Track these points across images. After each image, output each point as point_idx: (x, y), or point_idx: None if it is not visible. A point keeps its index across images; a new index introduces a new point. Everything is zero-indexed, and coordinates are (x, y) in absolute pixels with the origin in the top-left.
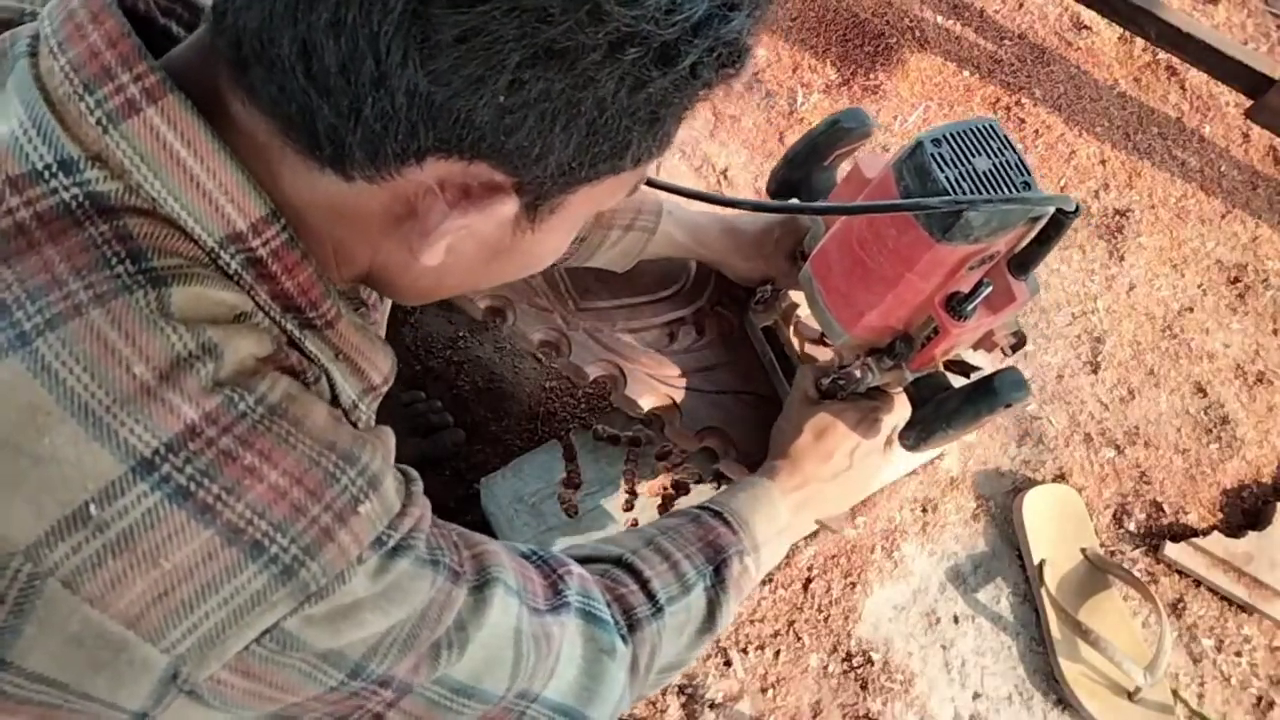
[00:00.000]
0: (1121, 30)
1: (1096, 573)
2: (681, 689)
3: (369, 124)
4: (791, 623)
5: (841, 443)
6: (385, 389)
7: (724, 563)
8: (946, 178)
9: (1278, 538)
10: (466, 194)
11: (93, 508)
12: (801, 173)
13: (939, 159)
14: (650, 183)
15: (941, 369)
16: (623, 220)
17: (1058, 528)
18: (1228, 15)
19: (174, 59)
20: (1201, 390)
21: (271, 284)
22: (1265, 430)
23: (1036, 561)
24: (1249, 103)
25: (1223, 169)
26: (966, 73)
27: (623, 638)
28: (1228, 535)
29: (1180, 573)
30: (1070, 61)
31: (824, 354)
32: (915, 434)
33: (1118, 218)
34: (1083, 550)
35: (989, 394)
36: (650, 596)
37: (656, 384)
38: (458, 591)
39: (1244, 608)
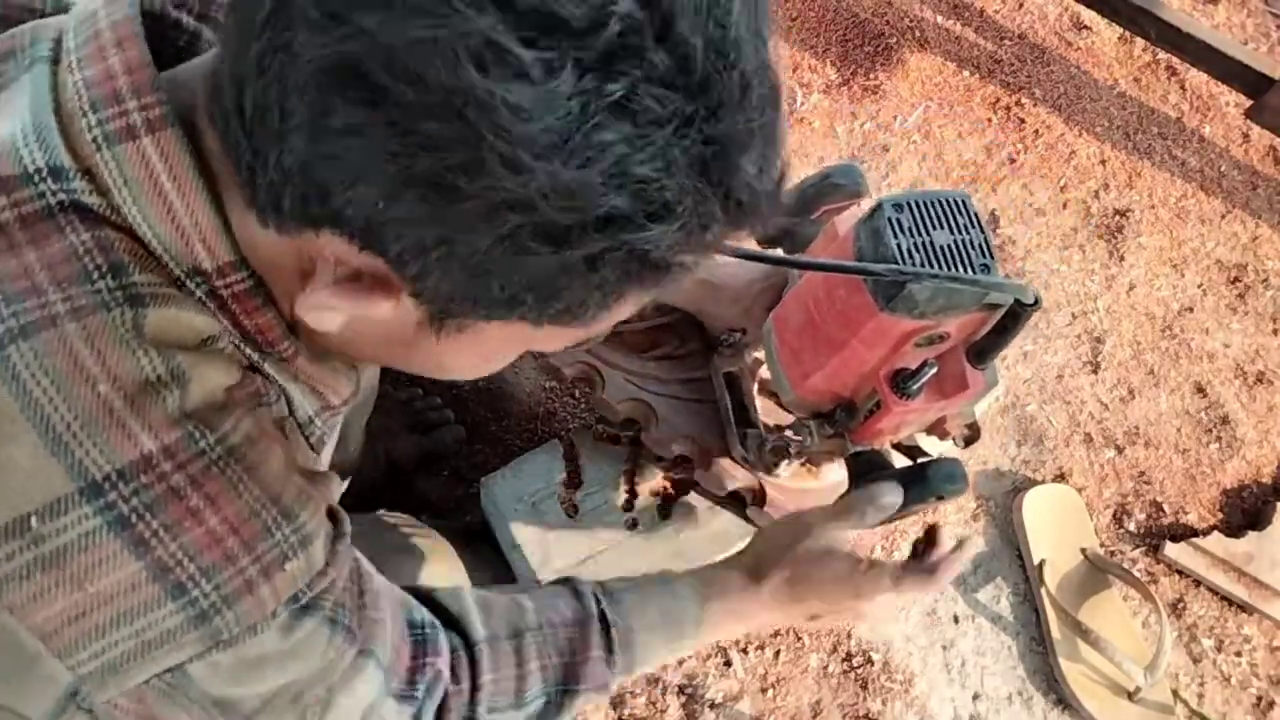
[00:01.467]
0: (1121, 30)
1: (1096, 573)
2: (681, 689)
3: (272, 174)
4: None
5: (815, 604)
6: (345, 410)
7: (574, 692)
8: (899, 245)
9: (1278, 538)
10: (356, 278)
11: (34, 520)
12: (788, 223)
13: (895, 225)
14: None
15: (888, 448)
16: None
17: (1058, 528)
18: (1228, 15)
19: (185, 69)
20: (1201, 390)
21: (231, 317)
22: (1265, 430)
23: (1036, 561)
24: (1249, 103)
25: (1223, 169)
26: (966, 73)
27: None
28: (1228, 535)
29: (1180, 573)
30: (1070, 61)
31: (781, 417)
32: None
33: (1118, 218)
34: (1083, 550)
35: (920, 482)
36: (472, 704)
37: (635, 389)
38: (348, 652)
39: (1244, 608)
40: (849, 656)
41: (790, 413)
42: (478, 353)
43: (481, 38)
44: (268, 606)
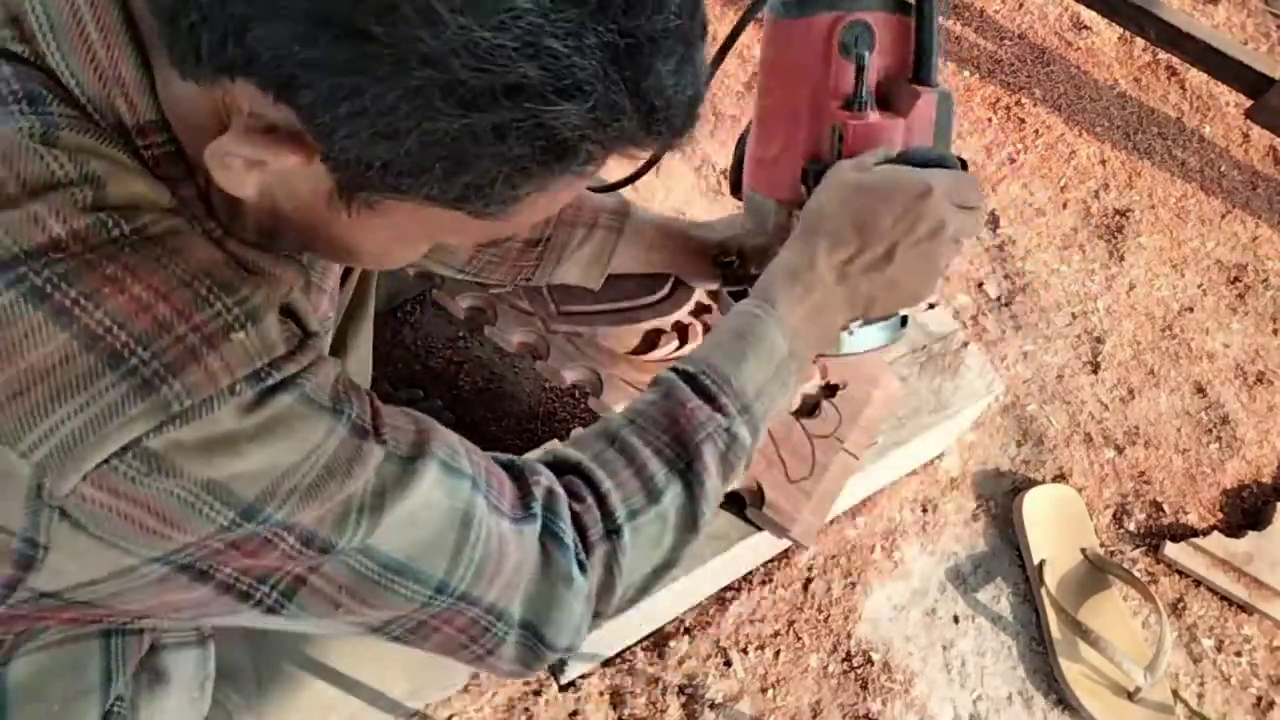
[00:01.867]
0: (1121, 30)
1: (1096, 573)
2: (681, 689)
3: (190, 16)
4: (791, 623)
5: (889, 204)
6: (321, 334)
7: (699, 449)
8: None
9: (1278, 538)
10: (269, 130)
11: None
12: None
13: None
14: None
15: None
16: (586, 219)
17: (1058, 528)
18: (1228, 15)
19: None
20: (1201, 390)
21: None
22: (1265, 430)
23: (1036, 561)
24: (1249, 103)
25: (1223, 169)
26: (966, 73)
27: (580, 564)
28: (1228, 535)
29: (1180, 573)
30: (1070, 61)
31: None
32: None
33: (1118, 218)
34: (1083, 550)
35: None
36: (607, 513)
37: (635, 391)
38: (371, 449)
39: (1244, 608)
40: (849, 656)
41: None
42: (389, 234)
43: None
44: (221, 380)
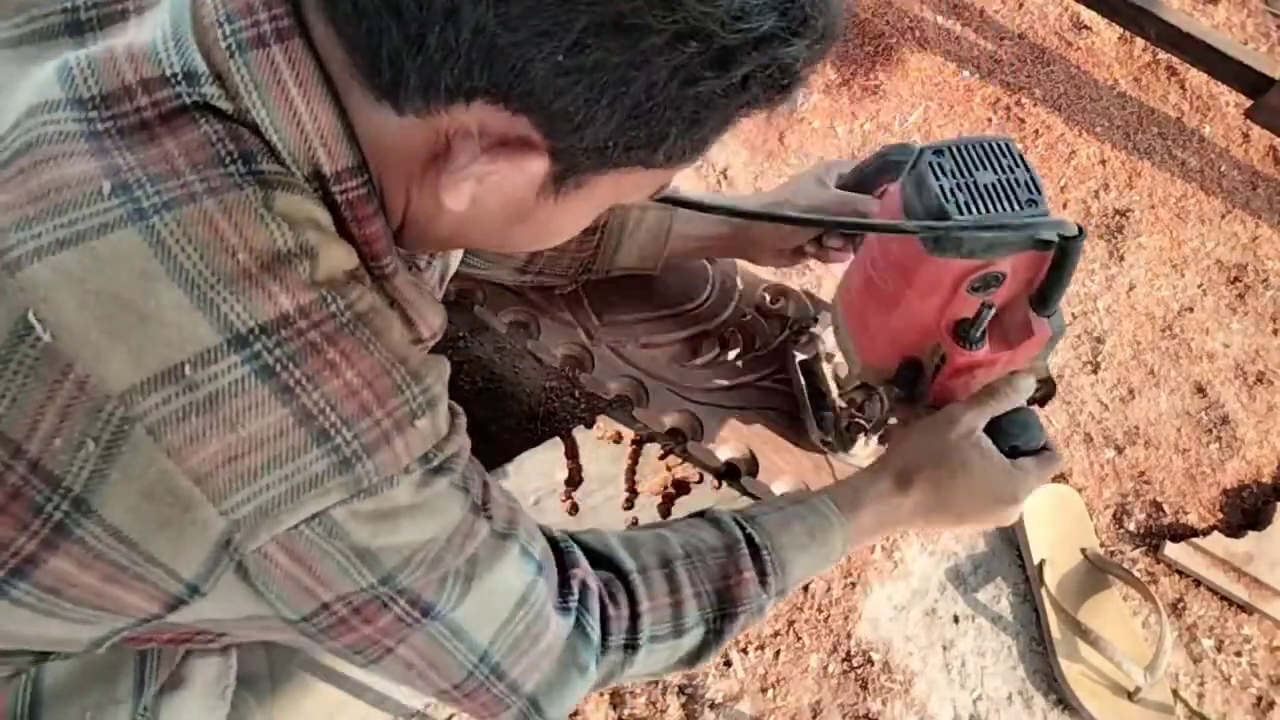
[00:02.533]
0: (1121, 30)
1: (1096, 573)
2: (681, 689)
3: (430, 53)
4: (791, 623)
5: (967, 500)
6: (432, 342)
7: (733, 615)
8: (942, 188)
9: (1278, 538)
10: (503, 144)
11: (187, 368)
12: (849, 200)
13: (937, 168)
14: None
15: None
16: (642, 200)
17: (1058, 528)
18: (1228, 15)
19: None
20: (1201, 390)
21: (340, 226)
22: (1265, 430)
23: (1036, 561)
24: (1249, 103)
25: (1223, 169)
26: (966, 73)
27: (596, 660)
28: (1228, 535)
29: (1180, 573)
30: (1070, 61)
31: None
32: None
33: (1118, 218)
34: (1083, 550)
35: (994, 433)
36: (634, 630)
37: (679, 399)
38: (480, 525)
39: (1244, 608)
40: (849, 656)
41: (863, 387)
42: (583, 210)
43: None
44: (402, 460)
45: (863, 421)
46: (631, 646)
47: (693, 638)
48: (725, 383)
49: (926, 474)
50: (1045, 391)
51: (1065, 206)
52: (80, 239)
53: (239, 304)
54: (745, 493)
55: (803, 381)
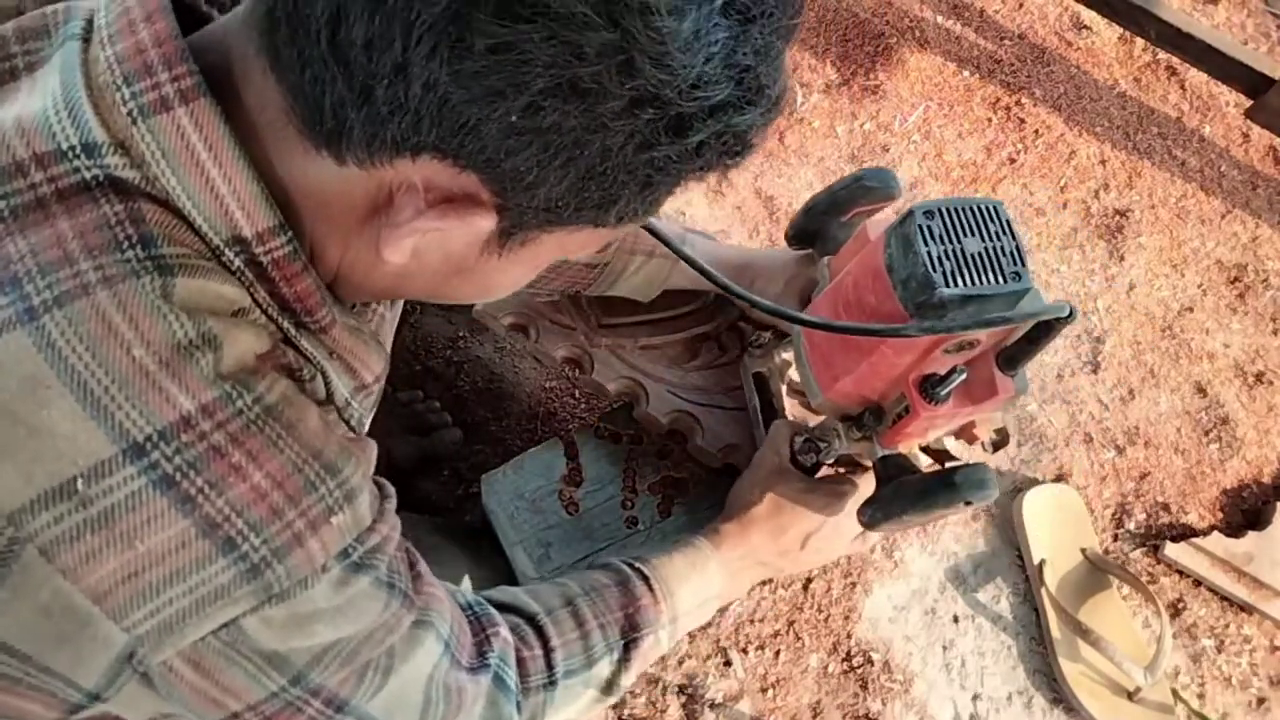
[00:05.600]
0: (1121, 30)
1: (1096, 573)
2: (681, 689)
3: (377, 106)
4: (791, 623)
5: (798, 524)
6: (378, 387)
7: (636, 640)
8: (929, 253)
9: (1278, 538)
10: (449, 199)
11: (80, 483)
12: (819, 224)
13: (925, 232)
14: (651, 230)
15: (916, 451)
16: (645, 247)
17: (1058, 528)
18: (1228, 15)
19: (206, 33)
20: (1201, 390)
21: (269, 286)
22: (1265, 430)
23: (1036, 561)
24: (1249, 103)
25: (1223, 169)
26: (966, 73)
27: (518, 706)
28: (1228, 535)
29: (1180, 573)
30: (1070, 61)
31: (810, 418)
32: (871, 512)
33: (1118, 218)
34: (1083, 550)
35: (948, 488)
36: (549, 666)
37: (679, 400)
38: (405, 618)
39: (1244, 608)
40: (849, 656)
41: (818, 415)
42: (527, 266)
43: None
44: (317, 560)
45: (815, 449)
46: (549, 684)
47: (603, 666)
48: (725, 383)
49: (759, 515)
50: (999, 441)
51: (1065, 206)
52: None
53: (135, 409)
54: (713, 469)
55: (755, 394)
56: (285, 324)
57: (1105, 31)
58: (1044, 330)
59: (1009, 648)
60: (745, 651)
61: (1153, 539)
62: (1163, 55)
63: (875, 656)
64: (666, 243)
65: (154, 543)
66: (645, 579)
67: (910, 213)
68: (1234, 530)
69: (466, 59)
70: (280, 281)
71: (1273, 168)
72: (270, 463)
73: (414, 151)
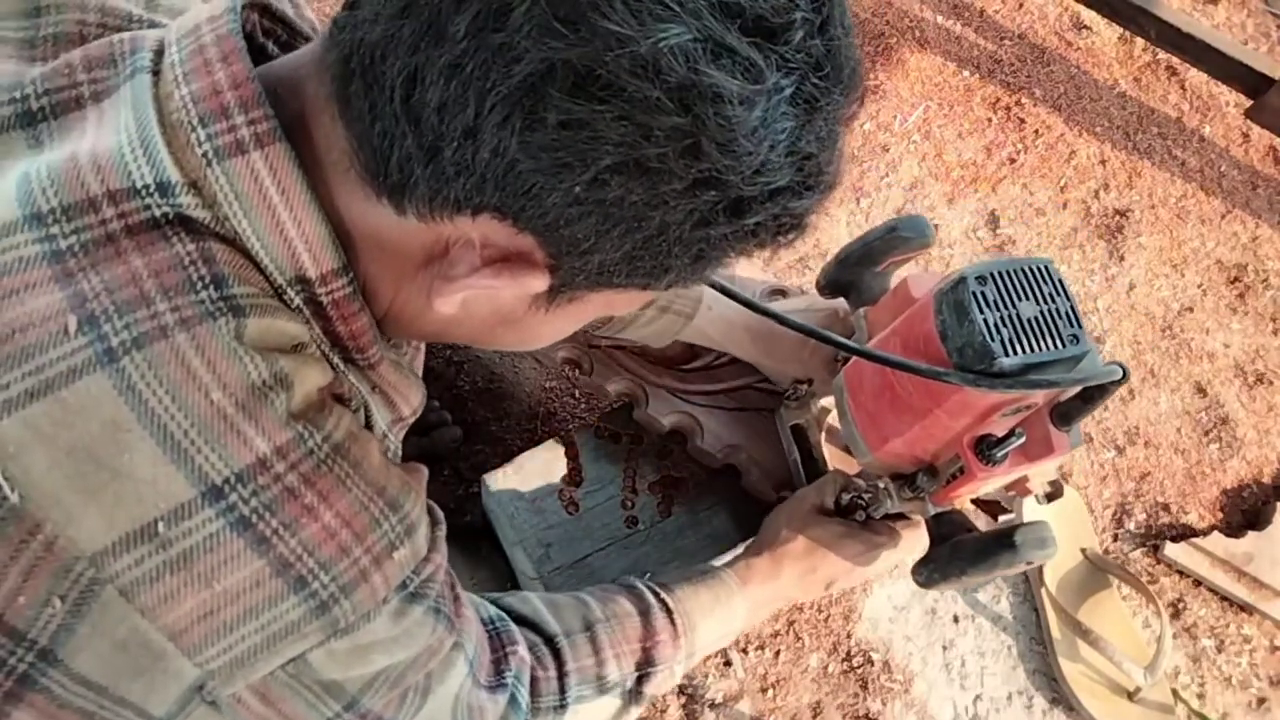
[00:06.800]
0: (1121, 30)
1: (1096, 573)
2: (682, 689)
3: (443, 165)
4: (791, 623)
5: (828, 569)
6: (413, 419)
7: (650, 674)
8: (985, 320)
9: (1278, 538)
10: (504, 259)
11: (160, 525)
12: (853, 274)
13: (980, 298)
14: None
15: (968, 505)
16: (660, 301)
17: (1058, 528)
18: (1228, 15)
19: (277, 68)
20: (1201, 390)
21: (325, 324)
22: (1265, 430)
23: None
24: (1249, 103)
25: (1223, 169)
26: (966, 73)
27: None
28: (1228, 535)
29: (1180, 573)
30: (1070, 61)
31: (851, 465)
32: (927, 572)
33: (1118, 218)
34: (1083, 550)
35: (1008, 548)
36: (562, 690)
37: (679, 401)
38: (446, 642)
39: (1244, 608)
40: (849, 656)
41: (865, 471)
42: (571, 320)
43: (716, 40)
44: (379, 594)
45: (863, 504)
46: (560, 707)
47: (612, 698)
48: (724, 385)
49: (793, 554)
50: (1053, 493)
51: (1065, 206)
52: (49, 388)
53: (213, 453)
54: (746, 493)
55: (795, 447)
56: (335, 359)
57: (1105, 31)
58: (1099, 391)
59: (1009, 648)
60: (745, 651)
61: (1153, 539)
62: (1163, 55)
63: (875, 656)
64: (729, 293)
65: (230, 582)
66: (668, 611)
67: (962, 278)
68: (1234, 530)
69: (537, 130)
70: (337, 320)
71: (1273, 168)
72: (339, 502)
73: (475, 211)
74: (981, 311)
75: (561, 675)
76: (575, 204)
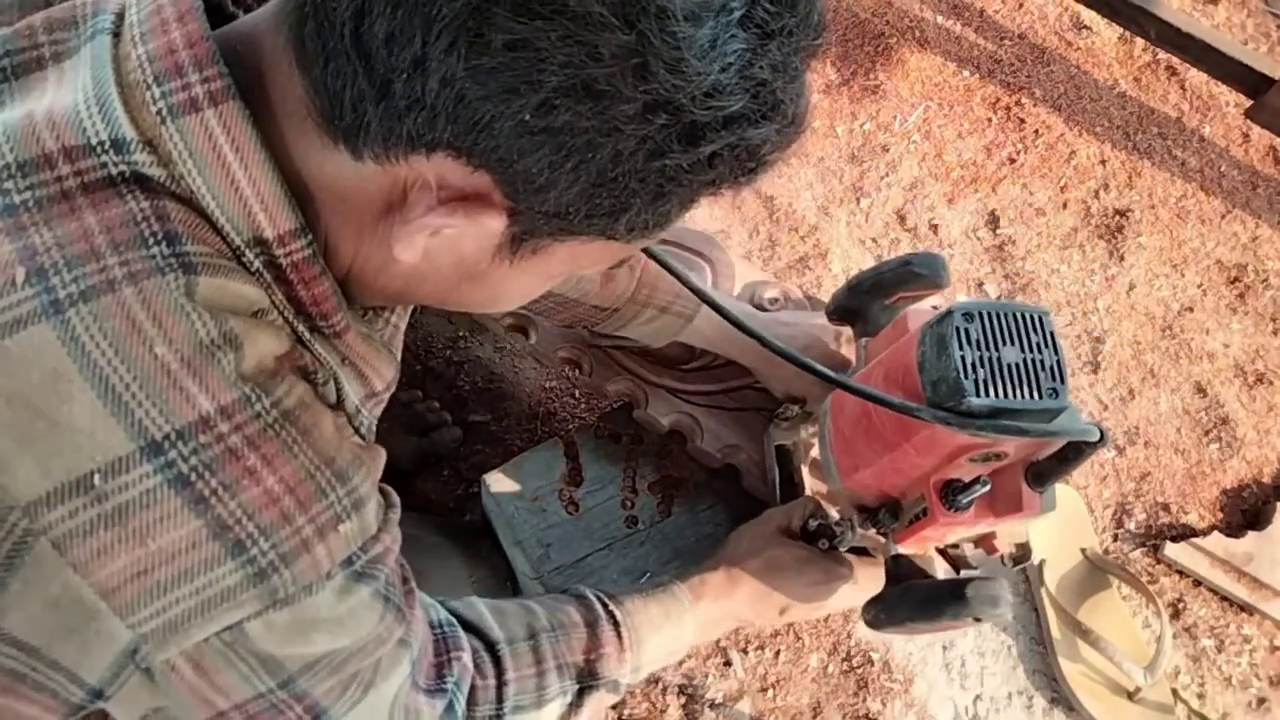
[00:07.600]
0: (1121, 30)
1: (1096, 573)
2: (681, 689)
3: (395, 101)
4: (791, 623)
5: (784, 591)
6: (387, 395)
7: (592, 687)
8: (963, 358)
9: (1278, 538)
10: (461, 198)
11: (96, 478)
12: (862, 303)
13: (962, 334)
14: (695, 290)
15: (932, 553)
16: (660, 301)
17: (1058, 528)
18: (1228, 15)
19: (235, 28)
20: (1201, 390)
21: (287, 288)
22: (1265, 430)
23: (1036, 561)
24: (1249, 103)
25: (1223, 169)
26: (966, 73)
27: None
28: (1228, 535)
29: (1180, 573)
30: (1070, 61)
31: (831, 501)
32: (875, 611)
33: (1118, 218)
34: (1083, 550)
35: (956, 600)
36: (499, 700)
37: (678, 402)
38: (395, 631)
39: (1244, 608)
40: (849, 656)
41: (832, 497)
42: (538, 276)
43: None
44: (323, 567)
45: (828, 533)
46: (496, 717)
47: (553, 708)
48: (724, 385)
49: (750, 572)
50: (1019, 556)
51: (1065, 206)
52: None
53: (155, 407)
54: (746, 493)
55: (776, 468)
56: (300, 327)
57: (1105, 31)
58: (1075, 451)
59: (1009, 648)
60: (745, 651)
61: (1153, 539)
62: (1163, 55)
63: (875, 656)
64: (715, 305)
65: (165, 541)
66: (616, 624)
67: (950, 312)
68: (1234, 530)
69: (484, 54)
70: (298, 284)
71: (1273, 168)
72: (284, 468)
73: (429, 148)
74: (961, 348)
75: (500, 684)
76: (526, 133)
